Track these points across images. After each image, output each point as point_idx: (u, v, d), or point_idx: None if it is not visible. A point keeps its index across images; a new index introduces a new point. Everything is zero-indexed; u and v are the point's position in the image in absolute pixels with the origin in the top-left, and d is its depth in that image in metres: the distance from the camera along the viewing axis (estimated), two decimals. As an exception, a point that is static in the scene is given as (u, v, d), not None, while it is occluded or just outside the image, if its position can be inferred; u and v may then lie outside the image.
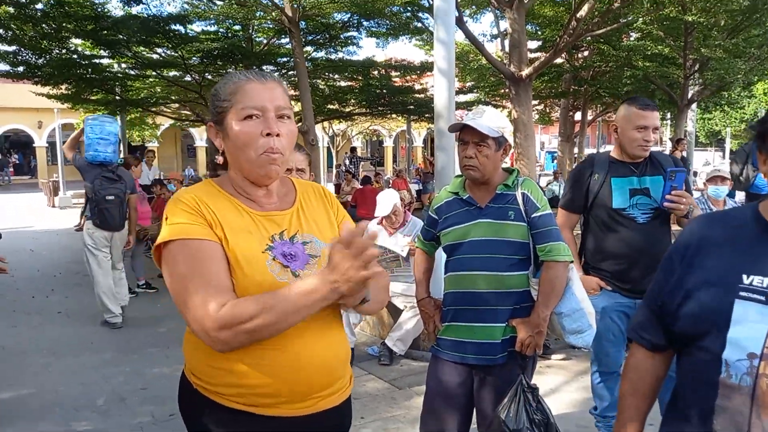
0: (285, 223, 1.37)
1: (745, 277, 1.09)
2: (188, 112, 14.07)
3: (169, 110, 14.51)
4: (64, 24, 9.24)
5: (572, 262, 2.22)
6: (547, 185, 15.63)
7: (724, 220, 1.23)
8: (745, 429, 1.06)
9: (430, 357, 2.37)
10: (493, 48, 15.49)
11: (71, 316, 5.89)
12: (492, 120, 2.20)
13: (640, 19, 9.90)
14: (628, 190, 2.71)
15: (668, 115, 19.25)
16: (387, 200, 4.54)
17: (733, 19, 10.69)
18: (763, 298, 1.06)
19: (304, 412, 1.31)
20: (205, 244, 1.24)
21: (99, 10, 9.24)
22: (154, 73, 11.53)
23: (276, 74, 1.56)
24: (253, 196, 1.36)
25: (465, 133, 2.21)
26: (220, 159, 1.38)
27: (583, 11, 7.52)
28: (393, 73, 14.73)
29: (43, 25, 9.32)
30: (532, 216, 2.17)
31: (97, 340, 5.09)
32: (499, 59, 10.05)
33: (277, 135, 1.29)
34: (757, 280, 1.08)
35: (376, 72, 14.12)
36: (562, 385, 4.04)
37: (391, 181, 13.90)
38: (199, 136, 29.47)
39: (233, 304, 1.18)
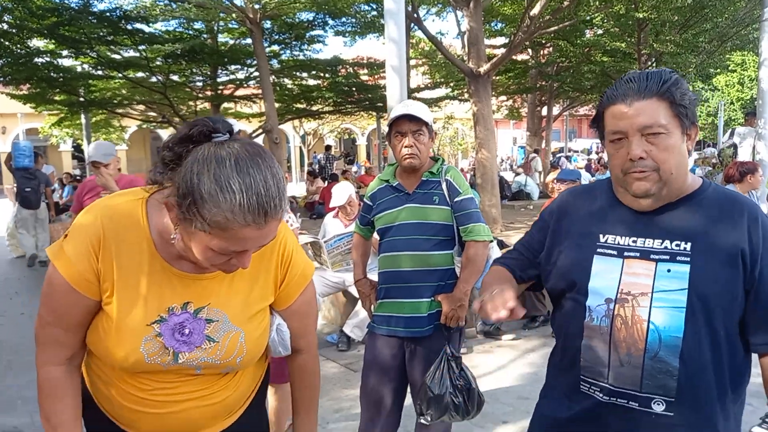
0: (198, 291, 1.19)
1: (601, 236, 1.31)
2: (154, 114, 14.00)
3: (135, 112, 14.42)
4: (25, 21, 9.20)
5: (492, 241, 2.42)
6: (514, 178, 15.98)
7: (587, 192, 1.44)
8: (605, 362, 1.25)
9: (368, 333, 2.55)
10: (459, 45, 15.77)
11: (34, 316, 5.91)
12: (423, 109, 2.38)
13: (596, 16, 10.25)
14: None
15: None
16: (342, 192, 4.71)
17: (682, 15, 11.11)
18: (615, 252, 1.28)
19: None
20: (77, 297, 1.14)
21: (59, 1, 9.22)
22: (119, 74, 11.49)
23: (283, 203, 1.05)
24: (178, 251, 1.16)
25: (401, 125, 2.35)
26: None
27: (535, 9, 7.77)
28: (361, 71, 14.89)
29: (3, 24, 9.26)
30: (455, 200, 2.36)
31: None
32: (459, 57, 10.28)
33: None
34: (610, 239, 1.30)
35: (344, 70, 14.25)
36: (509, 363, 4.27)
37: (356, 176, 14.06)
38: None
39: (56, 386, 1.18)
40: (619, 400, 1.23)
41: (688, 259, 1.20)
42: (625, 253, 1.26)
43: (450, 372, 2.25)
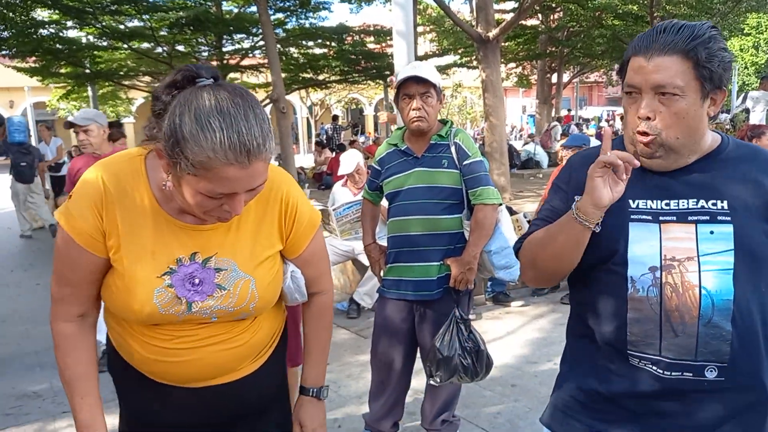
0: (203, 241, 1.19)
1: (631, 202, 1.23)
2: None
3: (141, 83, 14.35)
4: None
5: (501, 204, 2.41)
6: (523, 146, 15.86)
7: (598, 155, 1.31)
8: (657, 334, 1.18)
9: (378, 297, 2.57)
10: (467, 10, 15.49)
11: (49, 287, 6.01)
12: (431, 71, 2.35)
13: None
14: None
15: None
16: (350, 159, 4.69)
17: (698, -25, 10.81)
18: (649, 217, 1.21)
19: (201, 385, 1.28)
20: (84, 255, 1.16)
21: None
22: (124, 45, 11.40)
23: (267, 143, 1.04)
24: (179, 204, 1.16)
25: (409, 87, 2.32)
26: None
27: (546, -30, 7.58)
28: (368, 39, 14.66)
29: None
30: (464, 163, 2.35)
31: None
32: (467, 22, 10.10)
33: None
34: (641, 203, 1.22)
35: (350, 38, 14.04)
36: (518, 329, 4.31)
37: (364, 146, 14.01)
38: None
39: (68, 340, 1.22)
40: (673, 372, 1.18)
41: (729, 218, 1.16)
42: (661, 218, 1.20)
43: (459, 334, 2.28)
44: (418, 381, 2.75)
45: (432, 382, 2.37)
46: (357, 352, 3.99)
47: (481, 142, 12.04)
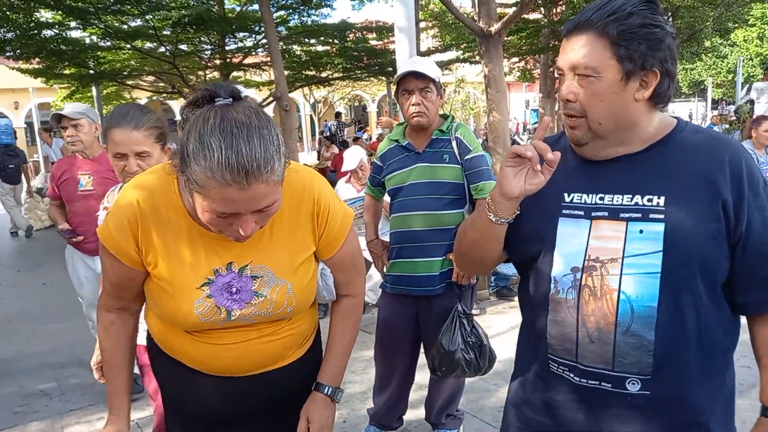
0: (238, 250, 1.21)
1: (566, 195, 1.14)
2: (164, 84, 13.97)
3: (145, 83, 14.38)
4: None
5: (502, 198, 2.41)
6: (527, 141, 15.84)
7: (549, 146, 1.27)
8: (573, 338, 1.10)
9: (381, 293, 2.58)
10: (469, 4, 15.42)
11: (56, 286, 6.05)
12: (431, 66, 2.35)
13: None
14: None
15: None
16: (353, 156, 4.70)
17: (702, -35, 10.71)
18: (582, 212, 1.11)
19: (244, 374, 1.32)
20: (120, 266, 1.23)
21: None
22: (127, 45, 11.44)
23: (270, 166, 1.03)
24: None
25: (408, 82, 2.33)
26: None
27: (547, -36, 7.54)
28: (370, 36, 14.64)
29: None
30: (465, 158, 2.35)
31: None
32: (469, 16, 10.06)
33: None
34: (576, 197, 1.13)
35: (352, 35, 14.03)
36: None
37: (368, 143, 14.02)
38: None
39: (108, 330, 1.33)
40: (590, 381, 1.10)
41: (662, 216, 1.05)
42: (593, 213, 1.10)
43: (462, 329, 2.29)
44: (423, 376, 2.75)
45: (435, 376, 2.38)
46: (361, 347, 4.00)
47: (484, 137, 12.02)
